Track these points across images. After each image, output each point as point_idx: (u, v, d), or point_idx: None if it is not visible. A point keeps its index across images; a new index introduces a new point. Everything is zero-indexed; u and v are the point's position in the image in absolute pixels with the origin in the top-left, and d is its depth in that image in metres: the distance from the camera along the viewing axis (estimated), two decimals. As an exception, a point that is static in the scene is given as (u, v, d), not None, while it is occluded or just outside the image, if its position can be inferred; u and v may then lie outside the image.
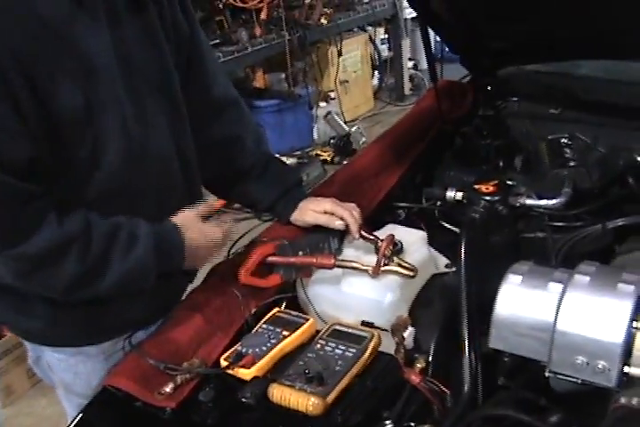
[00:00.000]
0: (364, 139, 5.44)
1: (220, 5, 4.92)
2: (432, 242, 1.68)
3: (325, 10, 5.61)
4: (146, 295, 1.47)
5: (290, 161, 4.90)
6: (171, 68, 1.48)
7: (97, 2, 1.31)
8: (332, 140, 5.56)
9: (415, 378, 1.27)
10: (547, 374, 1.22)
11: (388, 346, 1.35)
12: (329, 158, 5.35)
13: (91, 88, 1.28)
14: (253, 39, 4.97)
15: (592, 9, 1.75)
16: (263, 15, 4.98)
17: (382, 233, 1.56)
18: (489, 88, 2.29)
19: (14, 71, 1.17)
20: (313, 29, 5.44)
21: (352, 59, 6.35)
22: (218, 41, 4.78)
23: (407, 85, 6.96)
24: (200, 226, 1.47)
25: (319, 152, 5.37)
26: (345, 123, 5.78)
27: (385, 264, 1.46)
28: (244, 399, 1.22)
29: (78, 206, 1.33)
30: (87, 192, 1.35)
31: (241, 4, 4.87)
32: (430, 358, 1.36)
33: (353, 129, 5.60)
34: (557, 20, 1.88)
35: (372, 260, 1.48)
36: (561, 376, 1.21)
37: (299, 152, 5.16)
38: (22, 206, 1.25)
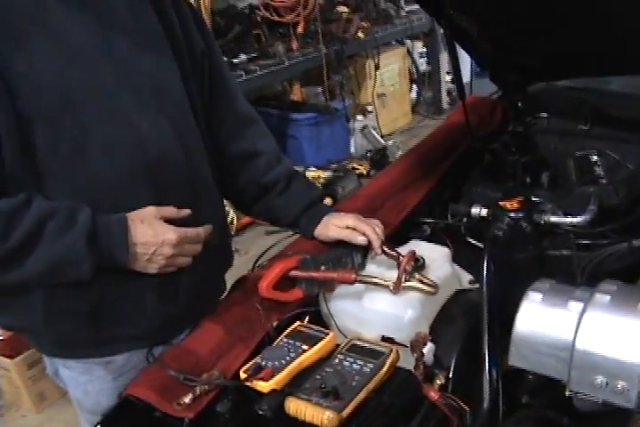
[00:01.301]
0: (400, 152, 5.43)
1: (258, 19, 5.00)
2: (457, 258, 1.68)
3: (363, 23, 5.63)
4: (148, 312, 1.49)
5: (326, 174, 4.92)
6: (170, 73, 1.51)
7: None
8: (368, 154, 5.58)
9: (434, 394, 1.27)
10: (567, 393, 1.22)
11: (410, 362, 1.36)
12: (365, 172, 5.36)
13: (68, 73, 1.33)
14: (290, 53, 5.01)
15: (621, 25, 1.74)
16: (300, 29, 5.04)
17: (406, 249, 1.57)
18: (519, 104, 2.29)
19: None
20: (350, 43, 5.47)
21: (390, 72, 6.36)
22: (255, 54, 4.85)
23: (445, 99, 6.96)
24: (154, 223, 1.41)
25: (355, 165, 5.38)
26: (382, 136, 5.80)
27: (406, 280, 1.47)
28: (260, 412, 1.24)
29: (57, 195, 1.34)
30: (74, 181, 1.36)
31: (278, 18, 4.94)
32: (450, 375, 1.36)
33: (389, 143, 5.61)
34: (586, 36, 1.88)
35: (393, 275, 1.48)
36: (581, 396, 1.20)
37: (335, 165, 5.17)
38: None
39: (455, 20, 2.03)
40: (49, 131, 1.31)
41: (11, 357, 3.12)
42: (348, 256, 1.61)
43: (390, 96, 6.36)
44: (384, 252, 1.58)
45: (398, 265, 1.50)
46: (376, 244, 1.59)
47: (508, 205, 1.74)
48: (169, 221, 1.43)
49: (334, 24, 5.47)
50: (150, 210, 1.41)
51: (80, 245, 1.32)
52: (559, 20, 1.86)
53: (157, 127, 1.45)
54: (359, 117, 5.84)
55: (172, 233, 1.41)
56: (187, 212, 1.46)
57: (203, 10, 4.26)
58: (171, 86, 1.52)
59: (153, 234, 1.39)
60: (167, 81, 1.51)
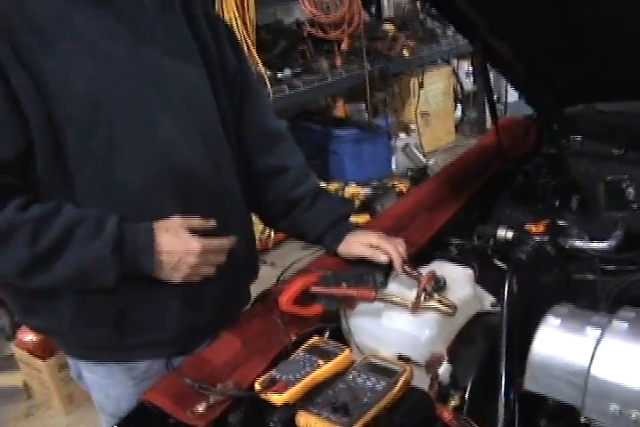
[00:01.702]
0: (441, 170, 5.43)
1: (304, 34, 5.05)
2: (483, 280, 1.68)
3: (408, 42, 5.65)
4: (172, 320, 1.52)
5: (365, 191, 4.93)
6: (201, 86, 1.56)
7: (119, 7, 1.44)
8: (409, 172, 5.58)
9: (447, 415, 1.27)
10: (582, 419, 1.21)
11: (426, 382, 1.36)
12: (405, 190, 5.36)
13: (99, 82, 1.38)
14: (334, 69, 5.04)
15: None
16: (344, 46, 5.07)
17: (429, 269, 1.58)
18: (553, 126, 2.29)
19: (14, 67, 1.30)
20: (395, 61, 5.48)
21: (434, 91, 6.37)
22: (299, 70, 4.88)
23: (489, 119, 6.91)
24: (180, 233, 1.45)
25: (396, 183, 5.39)
26: (424, 155, 5.80)
27: (425, 300, 1.47)
28: (271, 424, 1.25)
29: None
30: (103, 188, 1.42)
31: (323, 35, 4.98)
32: (466, 396, 1.36)
33: (431, 161, 5.62)
34: (622, 60, 1.88)
35: (414, 295, 1.49)
36: (595, 423, 1.20)
37: (375, 182, 5.18)
38: None
39: (489, 42, 2.04)
40: (79, 137, 1.37)
41: (43, 358, 3.20)
42: (370, 274, 1.62)
43: (434, 115, 6.37)
44: (405, 271, 1.58)
45: (418, 285, 1.51)
46: (397, 263, 1.60)
47: (533, 228, 1.74)
48: (195, 231, 1.47)
49: (380, 42, 5.50)
50: (176, 220, 1.46)
51: (106, 252, 1.37)
52: (595, 44, 1.87)
53: (187, 138, 1.50)
54: (402, 135, 5.86)
55: (196, 243, 1.45)
56: (213, 223, 1.50)
57: (248, 23, 4.31)
58: (201, 99, 1.56)
59: (178, 243, 1.44)
60: (198, 94, 1.56)
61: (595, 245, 1.72)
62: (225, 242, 1.52)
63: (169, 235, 1.43)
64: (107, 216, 1.40)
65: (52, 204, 1.37)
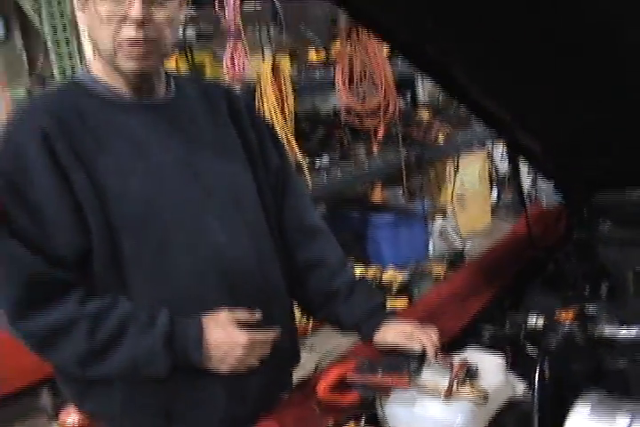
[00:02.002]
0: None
1: (341, 122, 5.21)
2: (515, 367, 1.72)
3: (443, 128, 5.77)
4: (219, 410, 1.59)
5: (403, 275, 4.97)
6: (247, 185, 1.68)
7: (172, 112, 1.58)
8: (446, 256, 5.62)
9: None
10: None
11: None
12: (442, 273, 5.39)
13: (154, 188, 1.51)
14: (371, 156, 5.18)
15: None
16: (381, 133, 5.18)
17: (461, 356, 1.64)
18: (583, 213, 2.35)
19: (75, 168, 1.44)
20: (430, 147, 5.60)
21: (470, 175, 6.46)
22: (337, 157, 5.03)
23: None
24: (228, 328, 1.54)
25: (433, 266, 5.42)
26: (460, 238, 5.86)
27: (457, 388, 1.52)
28: None
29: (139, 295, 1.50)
30: (155, 284, 1.53)
31: (359, 123, 5.10)
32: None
33: (467, 245, 5.66)
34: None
35: (446, 383, 1.54)
36: None
37: (413, 266, 5.23)
38: (50, 290, 1.45)
39: (517, 136, 2.14)
40: (134, 239, 1.49)
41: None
42: (404, 362, 1.67)
43: (470, 198, 6.45)
44: (438, 359, 1.64)
45: (451, 373, 1.56)
46: (431, 351, 1.65)
47: (563, 315, 1.79)
48: (241, 323, 1.56)
49: (415, 128, 5.64)
50: (224, 314, 1.55)
51: (158, 346, 1.47)
52: (623, 136, 1.95)
53: (234, 236, 1.60)
54: (438, 219, 5.92)
55: (243, 336, 1.54)
56: (258, 316, 1.59)
57: (287, 113, 4.45)
58: (247, 198, 1.67)
59: (225, 337, 1.53)
60: (244, 193, 1.67)
61: (624, 331, 1.76)
62: (269, 335, 1.60)
63: (217, 329, 1.52)
64: (159, 311, 1.50)
65: (109, 299, 1.48)
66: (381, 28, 1.83)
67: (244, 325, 1.57)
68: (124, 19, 1.45)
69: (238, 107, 1.75)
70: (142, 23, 1.45)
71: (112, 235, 1.47)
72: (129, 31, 1.45)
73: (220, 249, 1.57)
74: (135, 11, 1.43)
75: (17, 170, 1.45)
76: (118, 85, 1.57)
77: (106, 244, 1.47)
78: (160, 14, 1.48)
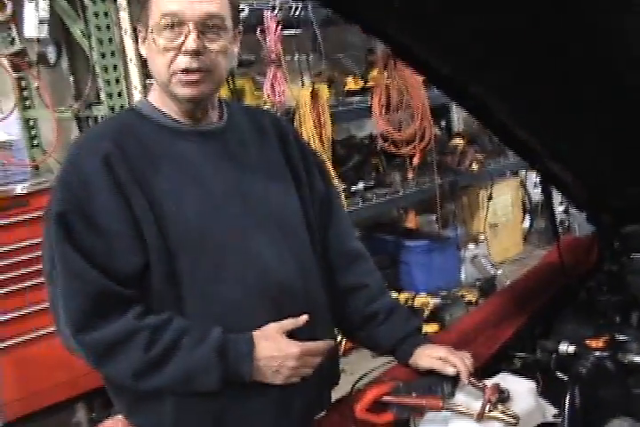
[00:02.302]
0: (509, 282, 5.46)
1: (377, 148, 5.28)
2: (545, 392, 1.78)
3: (477, 155, 5.79)
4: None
5: (435, 300, 5.00)
6: (293, 209, 1.76)
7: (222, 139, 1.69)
8: (477, 282, 5.64)
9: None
10: None
11: None
12: (474, 300, 5.41)
13: (209, 214, 1.60)
14: (406, 182, 5.21)
15: None
16: (416, 160, 5.21)
17: (493, 381, 1.69)
18: (614, 244, 2.40)
19: (137, 191, 1.54)
20: (464, 174, 5.65)
21: (503, 202, 6.48)
22: (372, 183, 5.07)
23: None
24: (278, 339, 1.61)
25: (464, 293, 5.45)
26: (493, 265, 5.87)
27: (489, 411, 1.58)
28: None
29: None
30: (208, 302, 1.60)
31: (395, 150, 5.16)
32: None
33: (499, 272, 5.69)
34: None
35: (479, 405, 1.60)
36: None
37: (444, 292, 5.26)
38: (112, 305, 1.53)
39: (549, 166, 2.20)
40: (190, 259, 1.58)
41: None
42: (438, 385, 1.73)
43: (502, 226, 6.46)
44: (471, 383, 1.70)
45: (483, 396, 1.62)
46: (464, 375, 1.71)
47: (593, 343, 1.84)
48: (291, 335, 1.63)
49: (449, 156, 5.67)
50: (273, 327, 1.62)
51: (211, 357, 1.54)
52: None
53: (281, 258, 1.68)
54: (470, 246, 5.95)
55: (294, 347, 1.61)
56: (304, 318, 1.65)
57: (324, 139, 4.53)
58: (294, 223, 1.76)
59: (277, 349, 1.60)
60: (291, 218, 1.75)
61: (655, 360, 1.80)
62: (320, 344, 1.67)
63: (268, 342, 1.59)
64: (211, 326, 1.58)
65: (165, 315, 1.56)
66: (418, 60, 1.91)
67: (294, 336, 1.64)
68: (180, 49, 1.56)
69: (286, 134, 1.84)
70: (197, 53, 1.55)
71: (169, 254, 1.56)
72: (184, 61, 1.56)
73: (269, 271, 1.65)
74: (190, 42, 1.54)
75: (82, 191, 1.54)
76: (174, 113, 1.67)
77: (163, 263, 1.55)
78: (214, 45, 1.58)
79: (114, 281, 1.53)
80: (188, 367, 1.55)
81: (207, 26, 1.56)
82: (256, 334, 1.61)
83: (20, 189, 3.61)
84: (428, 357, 1.80)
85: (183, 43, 1.54)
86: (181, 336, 1.55)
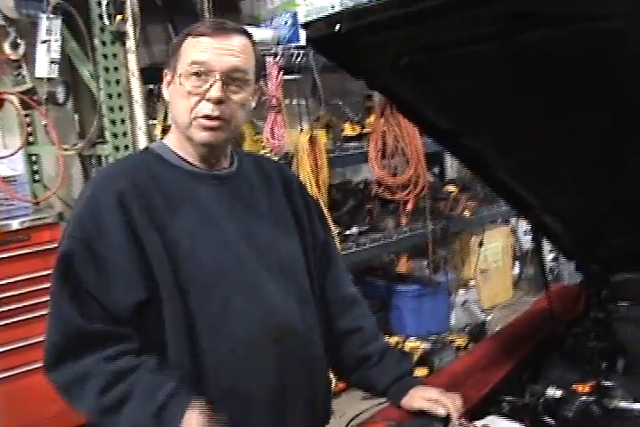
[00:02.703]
0: (498, 327, 5.51)
1: (371, 194, 5.37)
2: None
3: (469, 203, 5.89)
4: None
5: (424, 345, 5.04)
6: (296, 254, 1.84)
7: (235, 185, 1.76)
8: (467, 327, 5.69)
9: None
10: None
11: None
12: (463, 345, 5.44)
13: (220, 254, 1.67)
14: (399, 228, 5.27)
15: None
16: (409, 206, 5.27)
17: (483, 423, 1.76)
18: (602, 292, 2.48)
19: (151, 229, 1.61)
20: (456, 220, 5.73)
21: (493, 249, 6.56)
22: (366, 228, 5.11)
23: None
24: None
25: (454, 338, 5.49)
26: (482, 311, 5.93)
27: (478, 451, 1.64)
28: None
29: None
30: (216, 338, 1.65)
31: (389, 196, 5.24)
32: None
33: (489, 317, 5.74)
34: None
35: (469, 446, 1.66)
36: None
37: (434, 337, 5.30)
38: (84, 345, 1.57)
39: (540, 217, 2.30)
40: (200, 297, 1.64)
41: None
42: (430, 425, 1.79)
43: (493, 272, 6.53)
44: (461, 424, 1.76)
45: (473, 437, 1.68)
46: (454, 416, 1.77)
47: (580, 388, 1.90)
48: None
49: (442, 202, 5.76)
50: (202, 416, 1.54)
51: (149, 417, 1.53)
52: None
53: (284, 300, 1.75)
54: (461, 292, 6.01)
55: None
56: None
57: (321, 184, 4.60)
58: (295, 266, 1.84)
59: None
60: (294, 262, 1.84)
61: (638, 406, 1.86)
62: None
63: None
64: (168, 381, 1.56)
65: (138, 360, 1.58)
66: (417, 115, 2.01)
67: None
68: (204, 96, 1.66)
69: (290, 182, 1.94)
70: (219, 102, 1.66)
71: (180, 290, 1.62)
72: (206, 107, 1.66)
73: (272, 312, 1.72)
74: (215, 90, 1.65)
75: (93, 226, 1.62)
76: (189, 156, 1.76)
77: (175, 298, 1.62)
78: (236, 97, 1.69)
79: (99, 320, 1.58)
80: (133, 420, 1.55)
81: (232, 78, 1.67)
82: (191, 407, 1.54)
83: (21, 223, 3.69)
84: (420, 398, 1.86)
85: (208, 90, 1.65)
86: (134, 388, 1.55)
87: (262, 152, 4.21)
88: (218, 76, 1.65)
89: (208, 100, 1.65)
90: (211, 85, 1.65)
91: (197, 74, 1.66)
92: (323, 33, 1.71)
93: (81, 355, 1.58)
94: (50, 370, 1.61)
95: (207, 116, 1.66)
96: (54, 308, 1.63)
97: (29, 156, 4.31)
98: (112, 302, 1.60)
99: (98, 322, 1.59)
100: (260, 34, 4.23)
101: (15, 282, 3.61)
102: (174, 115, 1.75)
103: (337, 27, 1.64)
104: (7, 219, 3.72)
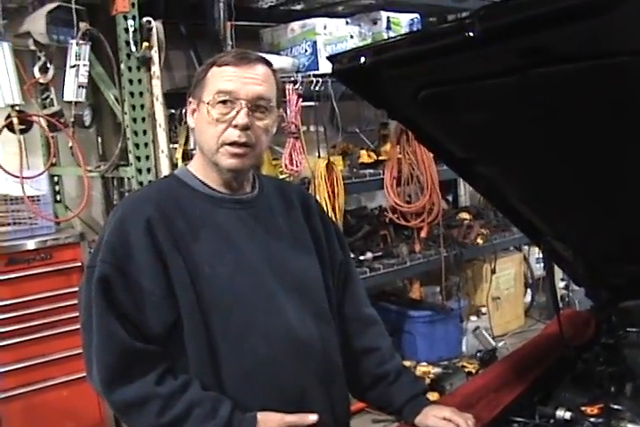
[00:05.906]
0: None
1: (386, 220, 5.44)
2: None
3: (482, 230, 5.95)
4: None
5: (435, 370, 5.06)
6: (315, 275, 1.90)
7: (255, 208, 1.83)
8: (478, 354, 5.69)
9: None
10: None
11: None
12: (474, 371, 5.46)
13: (241, 277, 1.73)
14: (413, 254, 5.33)
15: None
16: (423, 233, 5.35)
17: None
18: (612, 318, 2.54)
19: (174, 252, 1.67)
20: (469, 248, 5.78)
21: (506, 276, 6.58)
22: (380, 253, 5.20)
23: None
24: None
25: (465, 364, 5.51)
26: (494, 338, 5.95)
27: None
28: None
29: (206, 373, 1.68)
30: (238, 359, 1.71)
31: (404, 223, 5.33)
32: None
33: (500, 344, 5.76)
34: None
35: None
36: None
37: (446, 362, 5.32)
38: (137, 364, 1.64)
39: (552, 244, 2.36)
40: (221, 319, 1.71)
41: None
42: (443, 443, 1.85)
43: (504, 299, 6.55)
44: (473, 441, 1.82)
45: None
46: (466, 434, 1.83)
47: (589, 410, 1.96)
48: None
49: (456, 229, 5.84)
50: (276, 418, 1.70)
51: None
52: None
53: (303, 320, 1.81)
54: (473, 318, 6.05)
55: None
56: (313, 418, 1.73)
57: (337, 210, 4.67)
58: (315, 288, 1.90)
59: None
60: (312, 283, 1.90)
61: (647, 428, 1.92)
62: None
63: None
64: (222, 401, 1.67)
65: (181, 380, 1.67)
66: (435, 143, 2.09)
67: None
68: (230, 123, 1.73)
69: (310, 206, 2.01)
70: (246, 128, 1.73)
71: (202, 313, 1.69)
72: (233, 134, 1.74)
73: (292, 330, 1.78)
74: (242, 118, 1.73)
75: (123, 251, 1.69)
76: (213, 181, 1.83)
77: (196, 320, 1.68)
78: (260, 123, 1.77)
79: (141, 339, 1.66)
80: None
81: (256, 105, 1.75)
82: (261, 418, 1.69)
83: (43, 242, 3.79)
84: (434, 416, 1.91)
85: (234, 117, 1.73)
86: (192, 408, 1.64)
87: (280, 177, 4.29)
88: (244, 104, 1.73)
89: (235, 126, 1.73)
90: (237, 113, 1.73)
91: (224, 102, 1.74)
92: (348, 66, 1.79)
93: (134, 374, 1.65)
94: (107, 392, 1.66)
95: (234, 143, 1.74)
96: (102, 330, 1.66)
97: (52, 176, 4.43)
98: (145, 323, 1.67)
99: (141, 342, 1.66)
100: (280, 62, 4.34)
101: (36, 299, 3.70)
102: (201, 141, 1.82)
103: (361, 60, 1.73)
104: (31, 237, 3.83)
